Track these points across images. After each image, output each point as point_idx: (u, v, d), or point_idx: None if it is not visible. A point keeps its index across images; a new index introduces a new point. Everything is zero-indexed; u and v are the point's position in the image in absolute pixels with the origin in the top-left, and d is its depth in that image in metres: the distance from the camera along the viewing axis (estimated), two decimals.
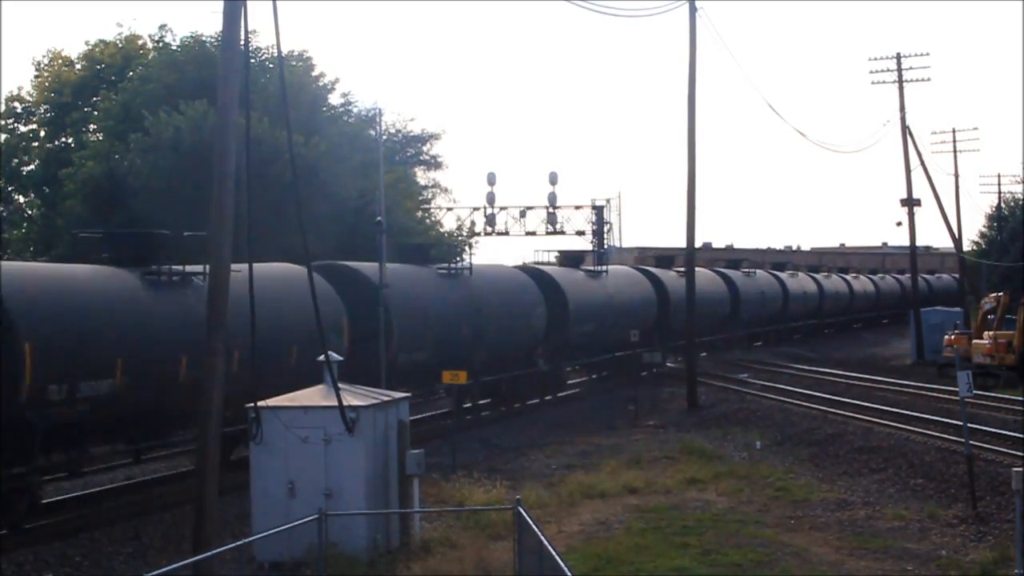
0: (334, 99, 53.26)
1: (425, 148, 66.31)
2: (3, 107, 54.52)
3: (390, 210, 36.69)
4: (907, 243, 66.08)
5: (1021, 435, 27.86)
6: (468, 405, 36.40)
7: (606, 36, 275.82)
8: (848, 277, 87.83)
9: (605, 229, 67.75)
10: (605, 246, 67.48)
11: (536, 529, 14.03)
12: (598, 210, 67.84)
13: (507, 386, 38.35)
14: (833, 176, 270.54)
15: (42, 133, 54.78)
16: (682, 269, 54.86)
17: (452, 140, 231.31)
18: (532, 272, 42.44)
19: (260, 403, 18.67)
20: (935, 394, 39.64)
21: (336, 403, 18.37)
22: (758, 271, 71.11)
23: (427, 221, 58.05)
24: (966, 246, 75.25)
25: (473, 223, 66.24)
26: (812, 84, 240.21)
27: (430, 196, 65.68)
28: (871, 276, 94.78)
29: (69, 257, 36.07)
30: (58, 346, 20.61)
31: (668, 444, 31.47)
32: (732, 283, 62.67)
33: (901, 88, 62.06)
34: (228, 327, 17.25)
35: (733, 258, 77.64)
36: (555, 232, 66.86)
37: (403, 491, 19.72)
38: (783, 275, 73.54)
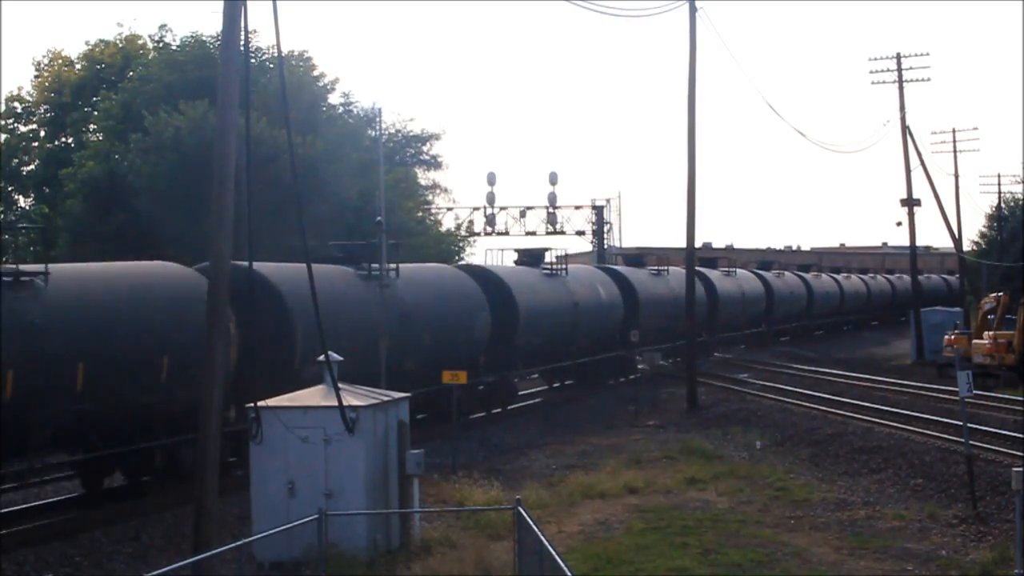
0: (334, 99, 53.27)
1: (425, 148, 66.36)
2: (3, 107, 54.57)
3: (390, 210, 36.64)
4: (907, 243, 66.07)
5: (1021, 435, 27.86)
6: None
7: (606, 36, 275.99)
8: (839, 277, 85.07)
9: (605, 229, 67.94)
10: (605, 246, 67.71)
11: (536, 529, 14.04)
12: (598, 210, 67.98)
13: (444, 398, 32.37)
14: (833, 176, 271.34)
15: (42, 133, 54.79)
16: (655, 268, 54.48)
17: (452, 140, 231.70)
18: (476, 273, 37.95)
19: (260, 403, 18.67)
20: (935, 394, 39.62)
21: (336, 403, 18.38)
22: (739, 270, 66.98)
23: (427, 221, 58.10)
24: (966, 246, 75.27)
25: (472, 223, 66.45)
26: (812, 84, 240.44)
27: (430, 196, 65.75)
28: (862, 276, 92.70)
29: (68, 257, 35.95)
30: None
31: (668, 444, 31.47)
32: (710, 282, 58.55)
33: (901, 88, 62.11)
34: (228, 327, 17.22)
35: (709, 256, 72.32)
36: (555, 232, 66.95)
37: (403, 491, 19.73)
38: (768, 275, 69.89)
